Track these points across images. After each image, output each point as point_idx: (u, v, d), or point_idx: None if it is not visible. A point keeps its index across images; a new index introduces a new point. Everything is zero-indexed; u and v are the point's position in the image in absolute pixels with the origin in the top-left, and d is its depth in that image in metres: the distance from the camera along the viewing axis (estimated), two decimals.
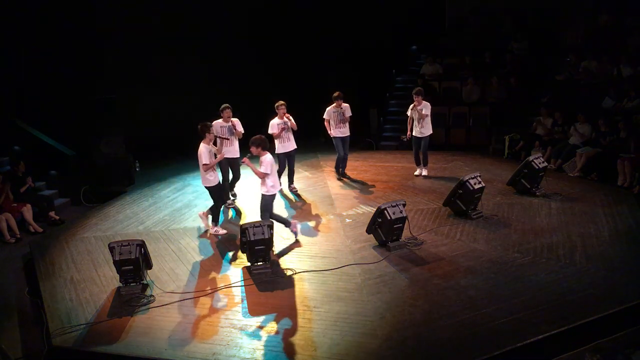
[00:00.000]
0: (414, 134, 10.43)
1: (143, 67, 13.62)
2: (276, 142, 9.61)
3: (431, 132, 10.44)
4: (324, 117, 10.40)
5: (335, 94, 10.19)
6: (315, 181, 10.81)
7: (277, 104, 9.57)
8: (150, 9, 13.75)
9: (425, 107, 10.19)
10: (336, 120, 10.29)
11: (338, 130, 10.32)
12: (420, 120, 10.20)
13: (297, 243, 7.86)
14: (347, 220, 8.58)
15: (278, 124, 9.54)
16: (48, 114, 12.05)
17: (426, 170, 10.72)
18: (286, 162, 9.95)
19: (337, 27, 14.89)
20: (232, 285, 6.64)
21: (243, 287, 6.58)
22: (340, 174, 10.80)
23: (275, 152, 9.42)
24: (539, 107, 12.27)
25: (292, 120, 9.60)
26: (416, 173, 10.72)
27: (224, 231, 8.26)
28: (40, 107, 12.10)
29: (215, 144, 8.56)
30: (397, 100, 14.81)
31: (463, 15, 16.16)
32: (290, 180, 10.20)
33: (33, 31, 12.07)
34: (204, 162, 7.85)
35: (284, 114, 9.54)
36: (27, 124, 11.85)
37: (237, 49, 14.87)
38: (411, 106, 10.30)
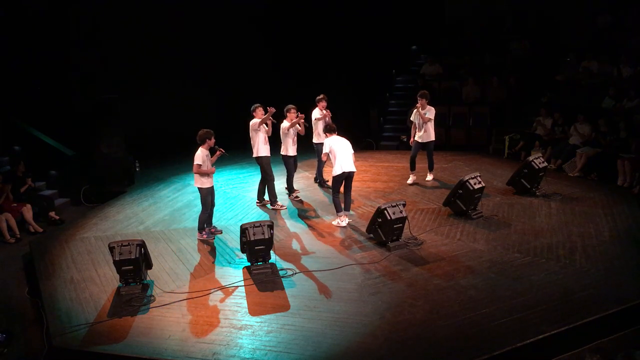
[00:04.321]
0: (415, 138, 10.04)
1: (144, 67, 13.63)
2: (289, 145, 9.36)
3: (433, 138, 9.96)
4: (315, 119, 9.77)
5: (320, 97, 9.76)
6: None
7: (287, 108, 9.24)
8: (152, 10, 13.77)
9: (429, 112, 9.78)
10: (322, 125, 9.71)
11: (324, 136, 9.51)
12: (423, 124, 9.84)
13: (297, 243, 7.87)
14: (347, 220, 8.57)
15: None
16: (48, 114, 12.05)
17: (432, 175, 10.44)
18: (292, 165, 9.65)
19: (337, 27, 14.89)
20: (232, 285, 6.65)
21: (243, 287, 6.58)
22: (322, 181, 10.40)
23: (286, 154, 9.40)
24: (539, 107, 12.27)
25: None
26: (409, 181, 10.23)
27: (348, 220, 8.45)
28: (40, 107, 12.10)
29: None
30: (397, 100, 14.83)
31: (463, 15, 16.16)
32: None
33: (34, 31, 12.07)
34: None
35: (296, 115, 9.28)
36: (27, 124, 11.85)
37: (238, 50, 14.89)
38: (414, 109, 9.91)
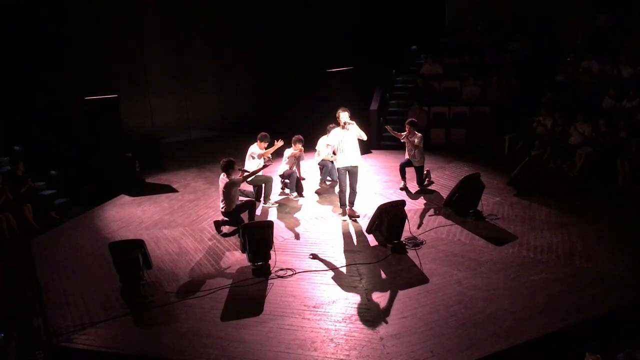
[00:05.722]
0: (406, 156, 10.00)
1: (144, 67, 13.63)
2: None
3: (423, 164, 9.92)
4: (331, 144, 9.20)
5: (331, 126, 9.58)
6: (315, 181, 10.80)
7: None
8: (152, 9, 13.78)
9: (417, 139, 9.69)
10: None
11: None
12: (412, 150, 9.78)
13: (297, 243, 7.88)
14: (347, 220, 8.58)
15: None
16: (48, 114, 12.05)
17: (428, 180, 10.44)
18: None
19: (337, 27, 14.89)
20: (232, 285, 6.65)
21: (243, 288, 6.58)
22: (324, 180, 10.50)
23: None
24: (539, 107, 12.27)
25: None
26: (401, 186, 10.15)
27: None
28: (40, 107, 12.11)
29: None
30: (397, 100, 14.81)
31: (463, 15, 16.16)
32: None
33: (34, 31, 12.07)
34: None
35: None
36: (27, 124, 11.85)
37: (238, 50, 14.90)
38: (403, 134, 9.85)
